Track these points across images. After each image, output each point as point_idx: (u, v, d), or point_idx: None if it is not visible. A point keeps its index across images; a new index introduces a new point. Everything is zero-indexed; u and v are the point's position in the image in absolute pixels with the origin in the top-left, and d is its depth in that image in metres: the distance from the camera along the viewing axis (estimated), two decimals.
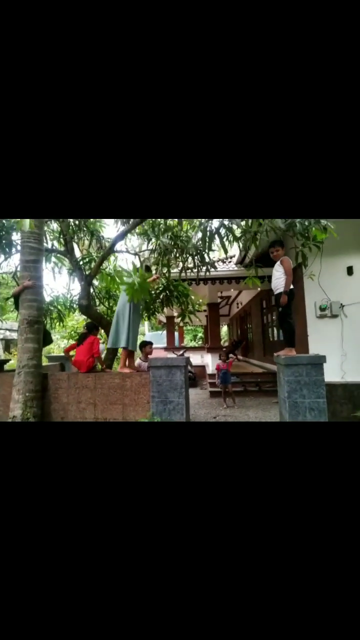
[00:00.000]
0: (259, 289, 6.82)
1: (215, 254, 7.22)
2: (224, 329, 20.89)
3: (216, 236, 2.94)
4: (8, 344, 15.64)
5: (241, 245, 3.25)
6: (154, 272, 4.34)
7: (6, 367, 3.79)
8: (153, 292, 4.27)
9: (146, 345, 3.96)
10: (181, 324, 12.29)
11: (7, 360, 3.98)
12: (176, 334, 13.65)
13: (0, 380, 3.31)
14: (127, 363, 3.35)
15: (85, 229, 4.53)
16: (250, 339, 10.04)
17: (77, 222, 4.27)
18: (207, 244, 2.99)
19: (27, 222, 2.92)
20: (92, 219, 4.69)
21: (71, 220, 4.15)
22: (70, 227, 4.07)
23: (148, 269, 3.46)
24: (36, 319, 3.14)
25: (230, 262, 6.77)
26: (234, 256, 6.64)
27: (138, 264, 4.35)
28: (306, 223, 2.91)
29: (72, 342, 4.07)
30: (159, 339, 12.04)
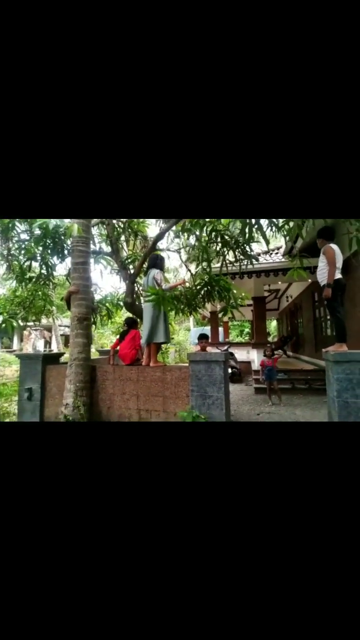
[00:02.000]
0: (309, 280, 6.36)
1: (261, 246, 6.94)
2: (273, 324, 19.98)
3: (255, 227, 2.82)
4: (67, 339, 17.19)
5: (284, 235, 3.07)
6: (193, 268, 4.36)
7: (62, 359, 4.19)
8: (193, 287, 4.29)
9: (202, 339, 4.02)
10: (225, 319, 12.11)
11: (63, 354, 4.39)
12: (221, 329, 13.52)
13: (56, 372, 3.68)
14: (155, 357, 3.44)
15: (129, 230, 4.75)
16: (301, 334, 9.44)
17: (121, 224, 4.49)
18: (246, 235, 2.89)
19: (75, 228, 3.19)
20: (135, 220, 4.89)
21: (115, 221, 4.38)
22: (115, 230, 4.29)
23: (157, 262, 3.46)
24: (85, 316, 3.42)
25: (277, 253, 6.44)
26: (280, 247, 6.29)
27: (179, 261, 4.40)
28: None
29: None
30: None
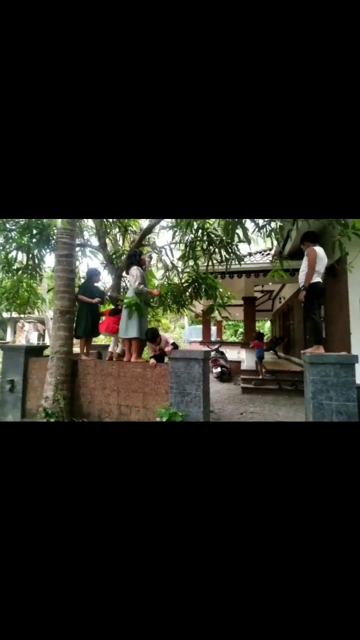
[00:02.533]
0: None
1: (256, 246, 6.94)
2: (268, 325, 20.06)
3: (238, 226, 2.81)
4: None
5: (268, 236, 3.07)
6: (180, 265, 4.35)
7: (46, 352, 4.17)
8: (180, 285, 4.29)
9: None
10: (219, 318, 12.14)
11: (46, 346, 4.37)
12: (215, 328, 13.53)
13: (39, 364, 3.66)
14: (137, 353, 3.42)
15: (119, 224, 4.72)
16: (292, 336, 9.48)
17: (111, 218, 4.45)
18: (229, 233, 2.88)
19: (59, 220, 3.16)
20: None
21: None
22: (104, 224, 4.26)
23: (134, 259, 3.47)
24: (67, 309, 3.40)
25: (268, 254, 6.45)
26: (272, 249, 6.30)
27: (168, 261, 4.39)
28: None
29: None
30: (198, 332, 11.98)
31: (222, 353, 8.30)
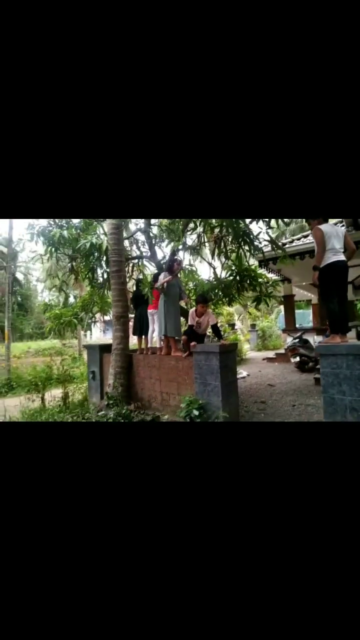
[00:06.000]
0: None
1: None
2: None
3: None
4: None
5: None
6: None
7: None
8: (220, 281, 4.44)
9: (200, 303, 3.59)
10: (314, 302, 10.75)
11: None
12: (305, 312, 12.21)
13: (109, 358, 4.65)
14: (175, 348, 3.82)
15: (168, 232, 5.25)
16: None
17: (156, 228, 5.03)
18: (235, 229, 2.93)
19: (104, 243, 3.97)
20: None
21: (156, 227, 4.93)
22: (151, 236, 4.88)
23: (169, 265, 3.80)
24: (121, 314, 4.20)
25: (342, 225, 5.55)
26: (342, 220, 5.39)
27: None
28: None
29: None
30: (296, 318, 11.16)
31: (305, 341, 7.61)
